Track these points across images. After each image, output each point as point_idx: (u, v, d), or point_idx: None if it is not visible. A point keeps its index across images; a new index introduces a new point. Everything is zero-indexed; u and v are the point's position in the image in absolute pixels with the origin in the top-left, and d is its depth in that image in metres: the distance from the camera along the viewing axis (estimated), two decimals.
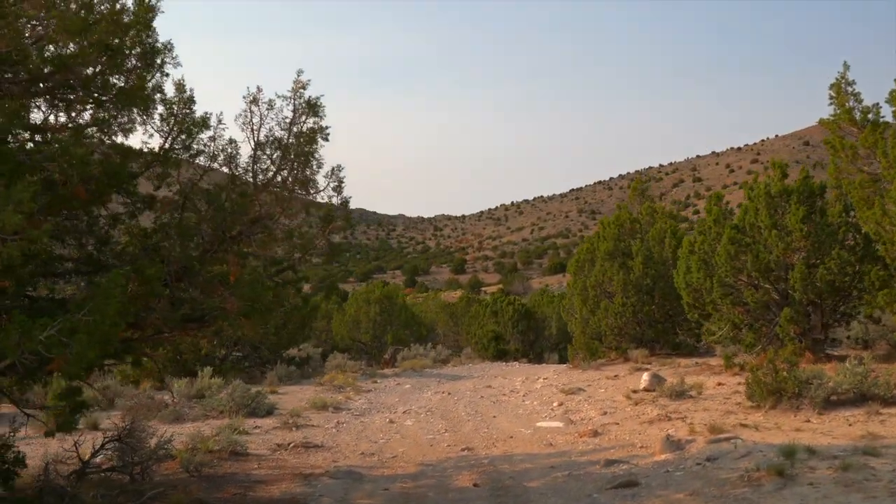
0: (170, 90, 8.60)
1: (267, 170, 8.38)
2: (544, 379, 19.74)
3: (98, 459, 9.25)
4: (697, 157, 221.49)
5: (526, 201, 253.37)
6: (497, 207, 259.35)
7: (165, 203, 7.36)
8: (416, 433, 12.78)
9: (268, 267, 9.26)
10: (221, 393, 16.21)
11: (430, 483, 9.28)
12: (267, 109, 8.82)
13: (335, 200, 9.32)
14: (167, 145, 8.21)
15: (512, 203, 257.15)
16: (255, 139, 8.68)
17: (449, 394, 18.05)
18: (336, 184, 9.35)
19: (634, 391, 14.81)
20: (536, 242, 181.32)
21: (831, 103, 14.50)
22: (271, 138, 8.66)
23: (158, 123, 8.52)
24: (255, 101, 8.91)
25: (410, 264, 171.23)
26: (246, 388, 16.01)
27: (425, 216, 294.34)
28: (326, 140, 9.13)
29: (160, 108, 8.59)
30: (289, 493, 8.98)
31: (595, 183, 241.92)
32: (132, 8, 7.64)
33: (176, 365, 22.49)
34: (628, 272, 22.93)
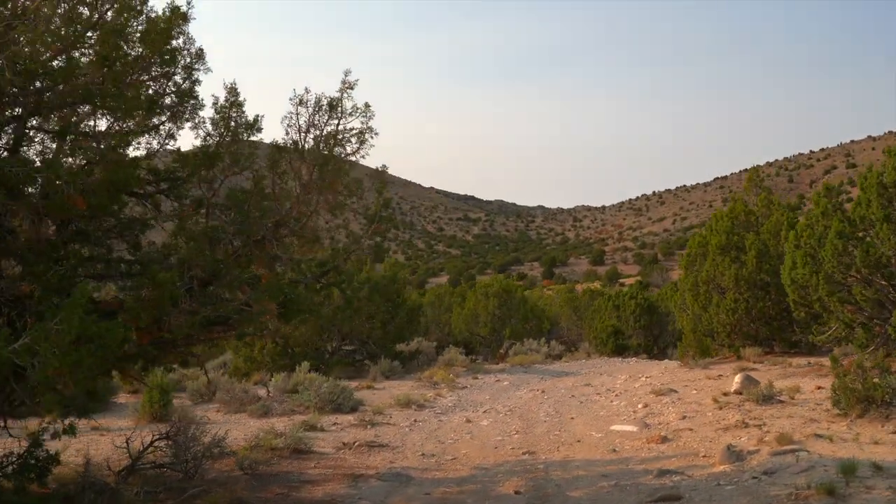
0: (221, 94, 8.83)
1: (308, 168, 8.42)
2: (647, 378, 19.14)
3: (153, 455, 9.52)
4: (852, 141, 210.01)
5: (668, 191, 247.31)
6: (638, 197, 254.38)
7: (186, 209, 7.47)
8: (487, 434, 12.61)
9: (311, 268, 9.32)
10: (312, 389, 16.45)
11: (473, 488, 9.10)
12: (315, 110, 8.90)
13: (378, 199, 9.32)
14: (213, 148, 8.39)
15: (653, 193, 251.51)
16: (302, 142, 8.75)
17: (542, 392, 17.75)
18: (379, 183, 9.32)
19: (725, 394, 14.13)
20: (678, 233, 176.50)
21: None
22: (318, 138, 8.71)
23: (210, 128, 8.74)
24: (301, 102, 8.99)
25: (548, 256, 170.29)
26: (335, 383, 16.22)
27: (564, 207, 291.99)
28: (373, 138, 9.16)
29: (210, 112, 8.85)
30: (331, 494, 9.00)
31: (741, 171, 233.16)
32: (162, 14, 7.84)
33: (285, 358, 23.11)
34: (741, 267, 21.95)
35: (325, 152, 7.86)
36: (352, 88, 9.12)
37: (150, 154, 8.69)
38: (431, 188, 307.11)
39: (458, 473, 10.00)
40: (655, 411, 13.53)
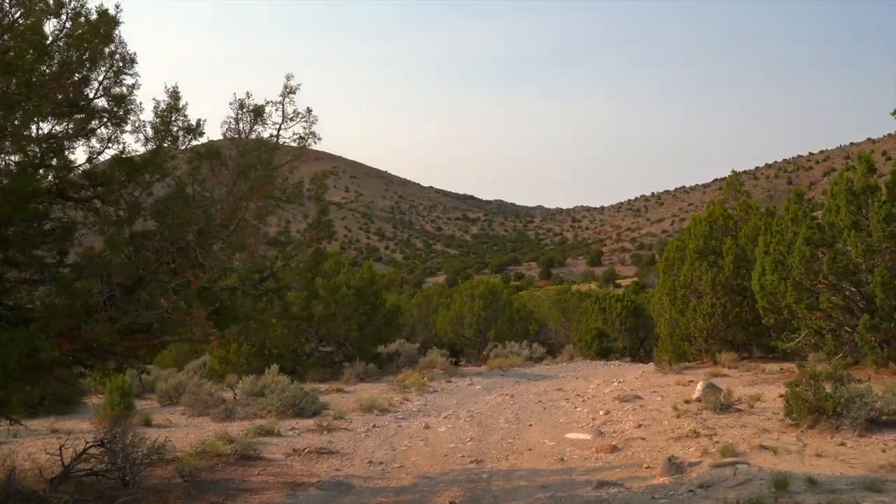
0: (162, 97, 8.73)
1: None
2: (620, 382, 19.03)
3: (89, 463, 9.41)
4: (851, 143, 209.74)
5: (667, 192, 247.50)
6: (637, 198, 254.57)
7: (104, 217, 7.36)
8: (441, 440, 12.50)
9: (251, 275, 9.21)
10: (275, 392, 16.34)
11: (411, 499, 8.99)
12: (254, 116, 8.79)
13: (316, 206, 9.22)
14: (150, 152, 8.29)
15: (652, 194, 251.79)
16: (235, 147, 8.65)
17: (511, 397, 17.65)
18: (318, 190, 9.22)
19: (686, 401, 14.02)
20: (677, 234, 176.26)
21: None
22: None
23: (150, 132, 8.65)
24: (242, 106, 8.89)
25: (546, 256, 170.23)
26: (299, 387, 16.12)
27: (563, 207, 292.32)
28: (316, 143, 9.09)
29: (150, 116, 8.74)
30: (266, 503, 8.91)
31: (741, 172, 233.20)
32: (86, 19, 7.74)
33: (261, 360, 22.98)
34: (719, 272, 21.84)
35: (255, 158, 7.71)
36: (293, 93, 9.03)
37: (91, 159, 8.61)
38: (430, 188, 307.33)
39: (400, 482, 9.90)
40: (615, 419, 13.42)
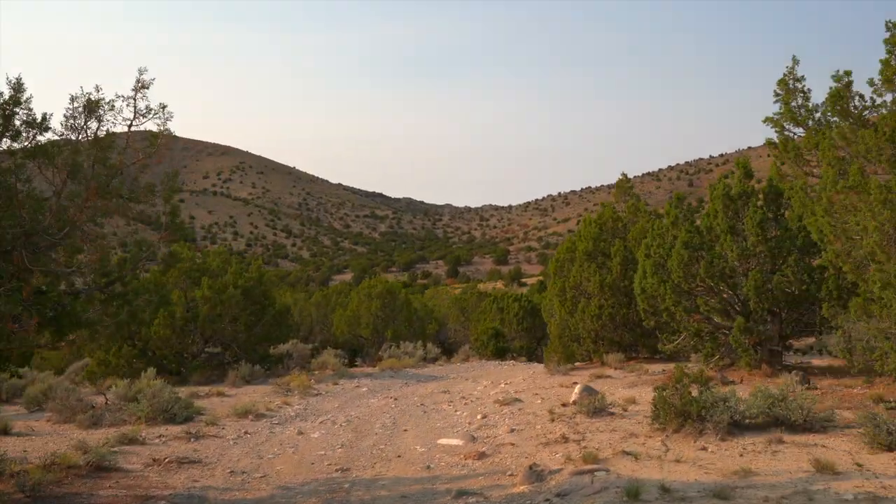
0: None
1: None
2: (507, 384, 18.98)
3: None
4: (749, 148, 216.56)
5: (573, 192, 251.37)
6: (544, 198, 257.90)
7: None
8: (312, 447, 12.15)
9: (97, 279, 8.72)
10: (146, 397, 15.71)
11: None
12: (108, 110, 8.31)
13: (166, 207, 8.79)
14: None
15: (559, 194, 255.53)
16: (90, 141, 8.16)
17: (395, 399, 17.39)
18: (167, 191, 8.79)
19: (564, 405, 14.03)
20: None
21: (777, 100, 13.47)
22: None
23: None
24: (73, 100, 8.38)
25: (453, 254, 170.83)
26: (172, 392, 15.52)
27: (472, 206, 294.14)
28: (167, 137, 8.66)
29: None
30: None
31: (644, 174, 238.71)
32: None
33: (143, 362, 22.18)
34: (607, 273, 22.05)
35: (89, 156, 7.26)
36: (146, 88, 8.59)
37: None
38: (339, 185, 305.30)
39: (258, 494, 9.52)
40: (491, 423, 13.31)
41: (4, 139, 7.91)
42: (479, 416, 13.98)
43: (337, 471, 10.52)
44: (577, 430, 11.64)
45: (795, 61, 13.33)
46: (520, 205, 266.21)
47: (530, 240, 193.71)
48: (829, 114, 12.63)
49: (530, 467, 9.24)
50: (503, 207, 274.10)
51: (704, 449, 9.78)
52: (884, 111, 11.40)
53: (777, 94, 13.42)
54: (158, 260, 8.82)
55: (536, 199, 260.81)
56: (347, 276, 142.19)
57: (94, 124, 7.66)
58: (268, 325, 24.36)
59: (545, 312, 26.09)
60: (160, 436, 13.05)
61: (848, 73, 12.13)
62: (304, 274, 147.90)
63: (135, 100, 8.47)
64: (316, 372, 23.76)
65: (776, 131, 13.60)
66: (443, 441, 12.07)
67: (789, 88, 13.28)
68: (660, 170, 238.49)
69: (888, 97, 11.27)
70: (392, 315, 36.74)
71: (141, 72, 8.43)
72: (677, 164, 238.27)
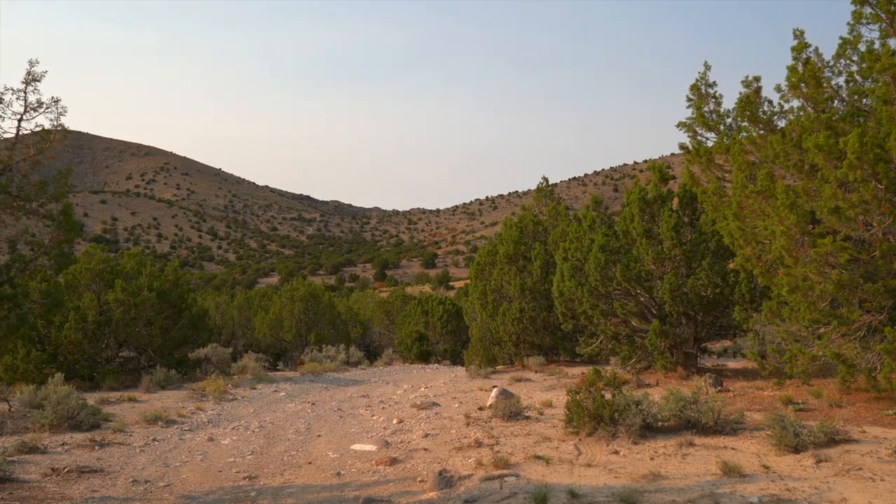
0: None
1: None
2: (427, 388, 18.86)
3: None
4: (672, 154, 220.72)
5: (501, 196, 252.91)
6: (472, 202, 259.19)
7: None
8: (221, 454, 11.82)
9: None
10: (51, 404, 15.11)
11: None
12: None
13: (57, 206, 8.43)
14: None
15: (486, 198, 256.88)
16: None
17: (312, 404, 17.09)
18: (59, 189, 8.44)
19: (480, 408, 13.95)
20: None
21: (690, 105, 13.62)
22: None
23: None
24: None
25: (381, 258, 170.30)
26: (79, 398, 14.97)
27: (400, 209, 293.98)
28: (66, 136, 8.31)
29: None
30: None
31: (570, 179, 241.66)
32: None
33: (53, 366, 21.42)
34: (528, 276, 22.10)
35: None
36: (38, 81, 8.24)
37: None
38: (266, 187, 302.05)
39: None
40: (406, 428, 13.14)
41: None
42: (395, 421, 13.80)
43: (245, 478, 10.23)
44: (492, 434, 11.55)
45: (707, 67, 13.49)
46: (448, 208, 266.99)
47: (458, 243, 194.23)
48: (739, 119, 12.81)
49: (440, 473, 9.11)
50: (431, 211, 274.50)
51: (616, 452, 9.78)
52: (791, 117, 11.60)
53: (690, 99, 13.56)
54: (50, 260, 8.43)
55: (465, 203, 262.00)
56: (274, 280, 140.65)
57: (45, 118, 7.32)
58: (185, 329, 23.80)
59: (467, 316, 26.06)
60: (63, 444, 12.55)
61: (757, 79, 12.33)
62: (230, 277, 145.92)
63: (25, 93, 8.13)
64: (235, 376, 23.25)
65: (689, 136, 13.73)
66: (356, 447, 11.86)
67: (701, 94, 13.43)
68: (585, 175, 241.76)
69: (795, 103, 11.47)
70: (315, 318, 36.33)
71: (32, 64, 8.07)
72: (603, 170, 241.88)
